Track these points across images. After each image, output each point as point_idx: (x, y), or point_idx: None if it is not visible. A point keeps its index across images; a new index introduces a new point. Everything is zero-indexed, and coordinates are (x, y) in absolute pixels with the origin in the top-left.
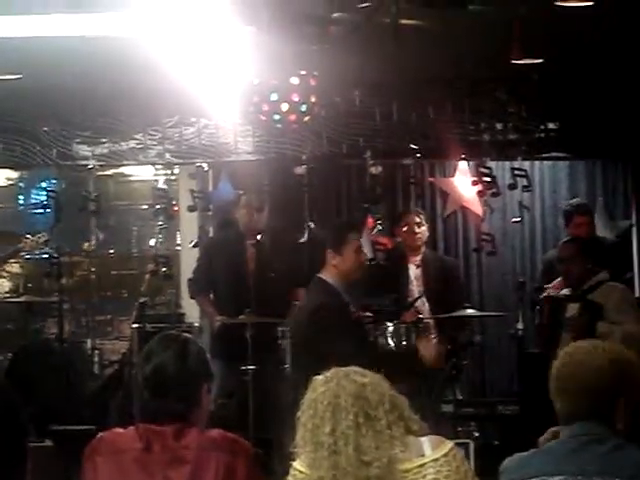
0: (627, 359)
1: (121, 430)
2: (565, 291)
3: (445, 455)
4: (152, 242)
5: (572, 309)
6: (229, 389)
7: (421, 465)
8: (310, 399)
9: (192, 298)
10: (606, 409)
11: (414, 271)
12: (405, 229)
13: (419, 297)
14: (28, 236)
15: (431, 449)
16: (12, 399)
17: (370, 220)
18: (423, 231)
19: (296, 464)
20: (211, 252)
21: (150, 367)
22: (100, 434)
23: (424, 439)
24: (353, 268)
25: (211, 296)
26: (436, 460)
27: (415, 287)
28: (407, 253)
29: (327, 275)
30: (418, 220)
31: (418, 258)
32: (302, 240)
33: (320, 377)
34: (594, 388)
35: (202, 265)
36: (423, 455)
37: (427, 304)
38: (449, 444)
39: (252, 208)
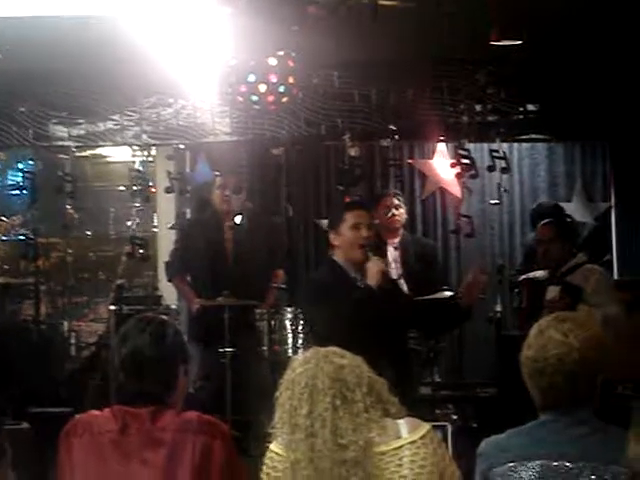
0: (589, 343)
1: (97, 412)
2: (543, 273)
3: (422, 437)
4: (129, 224)
5: (552, 292)
6: (207, 371)
7: (398, 447)
8: (288, 379)
9: (169, 281)
10: (572, 390)
11: (392, 253)
12: (383, 211)
13: (397, 280)
14: (3, 218)
15: (408, 431)
16: None
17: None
18: (401, 213)
19: (272, 446)
20: (188, 234)
21: (126, 349)
22: (76, 416)
23: (401, 421)
24: (351, 244)
25: (188, 279)
26: (413, 442)
27: (393, 269)
28: (385, 235)
29: (336, 255)
30: (396, 202)
31: (396, 240)
32: (279, 221)
33: (299, 357)
34: (556, 371)
35: (179, 247)
36: (400, 437)
37: (405, 286)
38: (426, 426)
39: (227, 189)
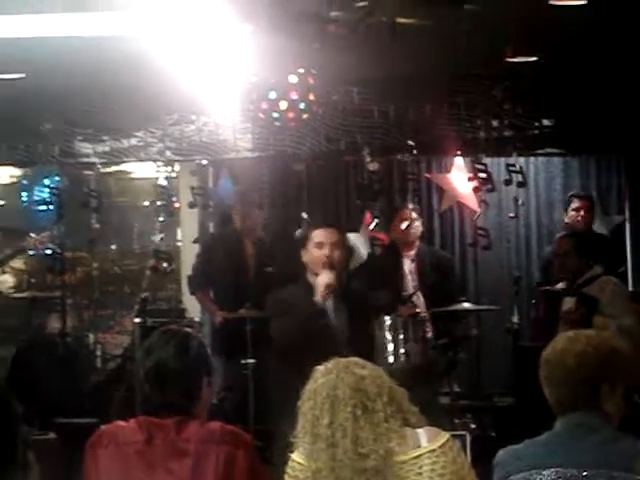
0: (611, 346)
1: (123, 423)
2: (560, 285)
3: (441, 446)
4: (153, 238)
5: (568, 303)
6: (229, 383)
7: (417, 456)
8: (310, 390)
9: (192, 294)
10: (591, 396)
11: (409, 265)
12: (399, 224)
13: (414, 292)
14: (32, 235)
15: (427, 441)
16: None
17: (368, 216)
18: (417, 226)
19: (294, 456)
20: (210, 249)
21: (151, 361)
22: (102, 427)
23: (421, 431)
24: (314, 263)
25: (211, 292)
26: (432, 451)
27: (410, 281)
28: (402, 247)
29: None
30: (412, 215)
31: (412, 252)
32: (298, 236)
33: (321, 367)
34: (576, 374)
35: (201, 262)
36: (419, 446)
37: (422, 298)
38: (445, 436)
39: (249, 206)
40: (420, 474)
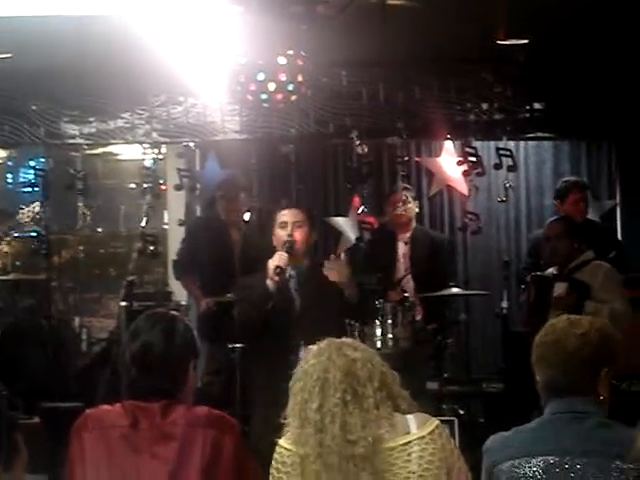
0: (609, 330)
1: (108, 407)
2: (551, 270)
3: (430, 433)
4: (140, 221)
5: (559, 288)
6: (216, 367)
7: (406, 443)
8: (302, 370)
9: (177, 279)
10: (589, 378)
11: (402, 248)
12: (392, 207)
13: (405, 276)
14: (22, 207)
15: (417, 427)
16: None
17: (356, 199)
18: (410, 208)
19: (282, 441)
20: (194, 233)
21: (137, 344)
22: (87, 411)
23: (410, 417)
24: (278, 242)
25: (196, 278)
26: (422, 438)
27: (402, 264)
28: (396, 230)
29: None
30: (405, 197)
31: (407, 235)
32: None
33: (313, 348)
34: (579, 354)
35: (186, 247)
36: (408, 433)
37: (412, 282)
38: (435, 422)
39: (233, 191)
40: (409, 461)
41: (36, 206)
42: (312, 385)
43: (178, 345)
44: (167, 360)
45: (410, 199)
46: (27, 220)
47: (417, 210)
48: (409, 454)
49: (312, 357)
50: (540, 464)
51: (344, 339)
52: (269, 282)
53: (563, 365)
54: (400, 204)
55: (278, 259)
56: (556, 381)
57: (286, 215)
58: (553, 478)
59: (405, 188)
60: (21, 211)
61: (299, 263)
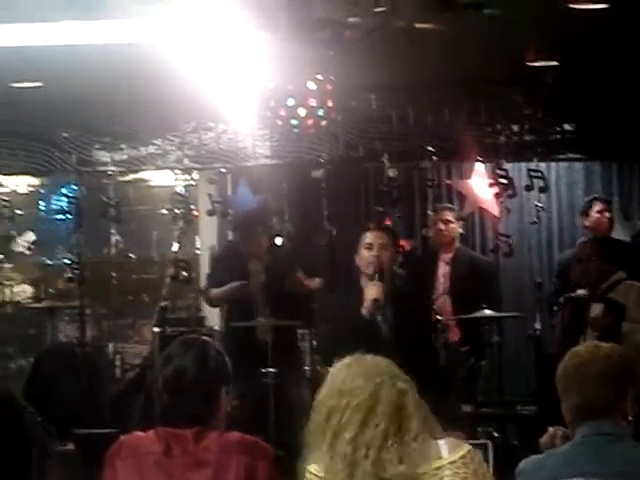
0: (627, 353)
1: (141, 433)
2: (582, 291)
3: (462, 457)
4: (172, 247)
5: (595, 309)
6: (246, 391)
7: (438, 467)
8: (337, 388)
9: (211, 305)
10: (618, 399)
11: (443, 268)
12: (434, 226)
13: (438, 297)
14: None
15: (448, 452)
16: (13, 404)
17: (388, 222)
18: (452, 228)
19: (310, 467)
20: (218, 262)
21: (170, 370)
22: (121, 438)
23: (442, 442)
24: (363, 263)
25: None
26: (453, 462)
27: (441, 285)
28: (438, 250)
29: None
30: (447, 217)
31: (449, 256)
32: (322, 243)
33: (355, 365)
34: (606, 375)
35: (212, 274)
36: (440, 458)
37: (449, 303)
38: (467, 447)
39: (251, 229)
40: None
41: (30, 235)
42: (352, 412)
43: (210, 370)
44: (199, 385)
45: (453, 219)
46: (23, 250)
47: (461, 230)
48: (441, 478)
49: (353, 375)
50: None
51: (389, 362)
52: (366, 313)
53: (591, 387)
54: (442, 223)
55: (375, 292)
56: (585, 404)
57: (372, 237)
58: None
59: (449, 208)
60: (17, 239)
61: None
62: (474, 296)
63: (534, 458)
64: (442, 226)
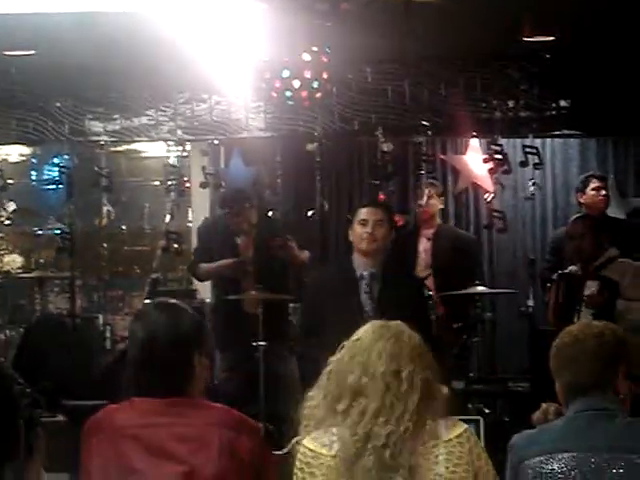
0: (620, 332)
1: (115, 406)
2: (575, 268)
3: (458, 437)
4: (164, 219)
5: (590, 287)
6: (231, 364)
7: (434, 446)
8: (362, 363)
9: (200, 280)
10: (609, 376)
11: (424, 244)
12: (416, 202)
13: (429, 274)
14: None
15: (444, 430)
16: (2, 375)
17: (381, 197)
18: (433, 204)
19: (306, 442)
20: (204, 236)
21: (140, 335)
22: (96, 414)
23: (441, 421)
24: (357, 240)
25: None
26: (448, 441)
27: (422, 260)
28: (420, 226)
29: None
30: (429, 192)
31: (430, 231)
32: (311, 216)
33: (382, 346)
34: (598, 353)
35: (200, 248)
36: (438, 438)
37: (432, 278)
38: (463, 426)
39: (238, 207)
40: (436, 463)
41: (10, 205)
42: (372, 390)
43: (183, 335)
44: (172, 351)
45: (434, 195)
46: (2, 220)
47: (441, 206)
48: (436, 456)
49: (378, 351)
50: (567, 460)
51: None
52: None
53: (583, 365)
54: (424, 199)
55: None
56: (577, 381)
57: (366, 213)
58: (580, 473)
59: (430, 184)
60: None
61: (377, 264)
62: (458, 272)
63: (526, 433)
64: (423, 202)
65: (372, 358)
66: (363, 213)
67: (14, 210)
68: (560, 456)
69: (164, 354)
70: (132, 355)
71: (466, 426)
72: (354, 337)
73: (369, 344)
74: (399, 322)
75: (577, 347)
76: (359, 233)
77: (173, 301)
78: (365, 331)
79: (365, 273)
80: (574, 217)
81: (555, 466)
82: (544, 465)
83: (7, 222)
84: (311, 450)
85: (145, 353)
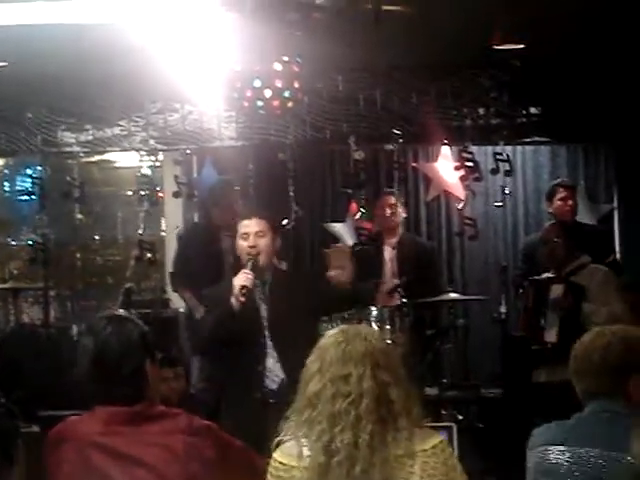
0: (634, 337)
1: (77, 417)
2: (547, 274)
3: (433, 447)
4: (137, 228)
5: (556, 290)
6: (208, 374)
7: (410, 455)
8: (322, 377)
9: (174, 292)
10: (617, 385)
11: (389, 252)
12: (380, 211)
13: (401, 282)
14: None
15: (420, 440)
16: None
17: (354, 205)
18: (397, 212)
19: (277, 455)
20: (186, 244)
21: (93, 351)
22: (58, 424)
23: (416, 430)
24: (241, 253)
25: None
26: (424, 451)
27: (389, 269)
28: (384, 234)
29: None
30: (392, 202)
31: (394, 240)
32: (285, 225)
33: (347, 352)
34: (604, 366)
35: (179, 258)
36: (412, 448)
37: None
38: (439, 437)
39: (229, 199)
40: (412, 473)
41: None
42: (336, 399)
43: (131, 344)
44: (122, 361)
45: (398, 204)
46: None
47: (404, 215)
48: (412, 466)
49: (343, 358)
50: (567, 453)
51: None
52: (234, 302)
53: (591, 378)
54: (388, 208)
55: (244, 279)
56: (588, 390)
57: (247, 226)
58: (577, 468)
59: (392, 192)
60: None
61: (263, 277)
62: (423, 280)
63: (544, 425)
64: (388, 211)
65: (325, 363)
66: (243, 227)
67: None
68: (561, 448)
69: (115, 365)
70: (85, 368)
71: (442, 437)
72: (318, 344)
73: (324, 350)
74: (360, 325)
75: (586, 360)
76: (242, 247)
77: (119, 313)
78: (326, 337)
79: (257, 282)
80: (548, 223)
81: (552, 457)
82: (544, 455)
83: None
84: (282, 463)
85: (97, 365)
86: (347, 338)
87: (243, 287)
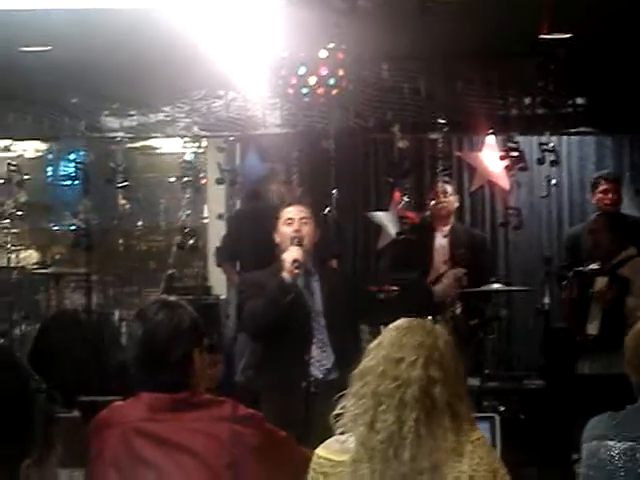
0: None
1: (122, 402)
2: (593, 265)
3: (478, 439)
4: (180, 215)
5: (599, 282)
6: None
7: (457, 443)
8: (376, 372)
9: (218, 266)
10: None
11: (440, 240)
12: (431, 199)
13: (446, 270)
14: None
15: (465, 434)
16: (19, 371)
17: (397, 194)
18: (450, 201)
19: (320, 451)
20: (238, 223)
21: (142, 336)
22: (103, 410)
23: (461, 425)
24: (284, 239)
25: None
26: (472, 441)
27: (441, 256)
28: (435, 223)
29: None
30: (444, 190)
31: (446, 228)
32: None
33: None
34: None
35: (229, 235)
36: (460, 436)
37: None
38: (479, 432)
39: (279, 181)
40: (459, 461)
41: (22, 196)
42: (386, 385)
43: (181, 331)
44: (171, 348)
45: (451, 192)
46: (13, 210)
47: (457, 204)
48: (460, 454)
49: (400, 356)
50: (620, 448)
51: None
52: (286, 275)
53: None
54: (441, 196)
55: (296, 253)
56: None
57: (292, 212)
58: (629, 463)
59: (445, 181)
60: (7, 202)
61: (307, 265)
62: (474, 269)
63: (598, 416)
64: (442, 197)
65: (383, 344)
66: (287, 212)
67: (25, 202)
68: (613, 443)
69: (163, 351)
70: (133, 353)
71: (479, 432)
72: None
73: (386, 334)
74: (426, 320)
75: (636, 350)
76: (285, 233)
77: (172, 299)
78: (391, 325)
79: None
80: (595, 214)
81: (602, 451)
82: (597, 450)
83: (19, 213)
84: (327, 459)
85: (145, 351)
86: (410, 327)
87: (295, 260)
